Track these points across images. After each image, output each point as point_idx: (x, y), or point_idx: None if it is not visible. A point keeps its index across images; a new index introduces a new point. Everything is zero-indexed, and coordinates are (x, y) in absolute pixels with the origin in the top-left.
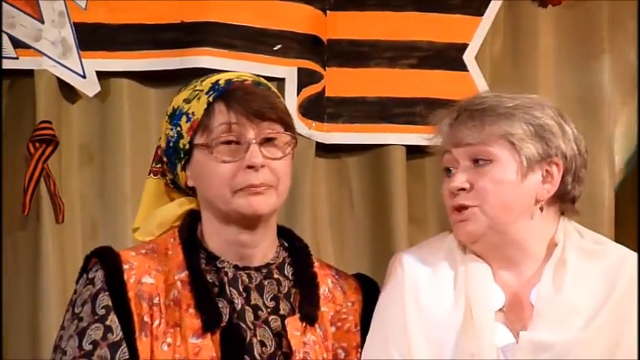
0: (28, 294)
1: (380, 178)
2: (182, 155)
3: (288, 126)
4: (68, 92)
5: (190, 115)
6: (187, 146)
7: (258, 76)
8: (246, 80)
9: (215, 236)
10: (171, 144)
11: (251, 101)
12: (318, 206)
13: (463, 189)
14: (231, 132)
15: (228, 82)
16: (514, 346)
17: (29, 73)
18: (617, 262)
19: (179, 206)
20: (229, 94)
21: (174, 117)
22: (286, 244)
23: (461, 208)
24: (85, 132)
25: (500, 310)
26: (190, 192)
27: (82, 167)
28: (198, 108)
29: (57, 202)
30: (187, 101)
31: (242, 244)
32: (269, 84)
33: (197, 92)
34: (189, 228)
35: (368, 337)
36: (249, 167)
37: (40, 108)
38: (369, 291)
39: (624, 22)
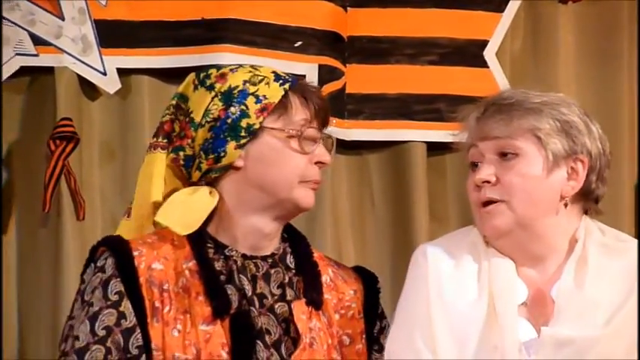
0: (49, 291)
1: (401, 175)
2: (243, 134)
3: (326, 128)
4: (89, 89)
5: (261, 98)
6: (256, 126)
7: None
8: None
9: (236, 223)
10: (228, 120)
11: (321, 100)
12: (339, 203)
13: (488, 181)
14: (311, 127)
15: (289, 75)
16: (536, 340)
17: (50, 71)
18: (638, 260)
19: (212, 198)
20: (304, 88)
21: (234, 95)
22: (285, 236)
23: (487, 203)
24: (106, 129)
25: (522, 304)
26: (211, 175)
27: (103, 164)
28: (271, 93)
29: (78, 199)
30: (252, 83)
31: (265, 234)
32: None
33: (260, 77)
34: None
35: (392, 328)
36: (318, 163)
37: (61, 105)
38: (368, 281)
39: None
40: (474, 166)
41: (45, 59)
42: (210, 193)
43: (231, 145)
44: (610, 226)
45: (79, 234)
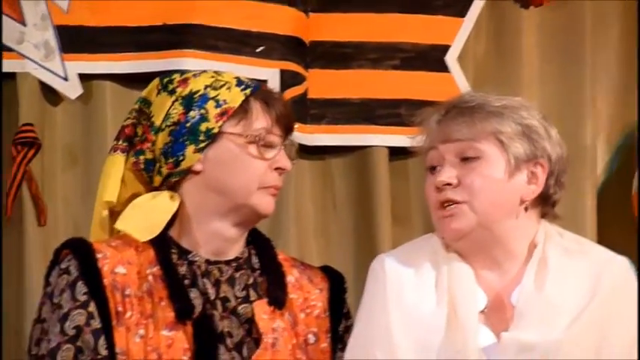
0: (12, 297)
1: (364, 179)
2: (202, 138)
3: (290, 135)
4: (51, 95)
5: (222, 102)
6: (215, 130)
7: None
8: (264, 84)
9: (197, 228)
10: (187, 124)
11: (283, 107)
12: (302, 207)
13: (450, 184)
14: (272, 133)
15: (252, 80)
16: (496, 346)
17: (12, 76)
18: (600, 262)
19: (172, 201)
20: (266, 95)
21: (194, 100)
22: (249, 239)
23: (446, 204)
24: (68, 134)
25: (481, 311)
26: (171, 179)
27: (65, 170)
28: (231, 97)
29: (40, 204)
30: (213, 88)
31: (227, 239)
32: None
33: (222, 82)
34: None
35: (351, 339)
36: (278, 169)
37: (23, 111)
38: (334, 280)
39: (607, 23)
40: (433, 169)
41: (7, 65)
42: (172, 197)
43: (190, 149)
44: (571, 230)
45: (42, 239)
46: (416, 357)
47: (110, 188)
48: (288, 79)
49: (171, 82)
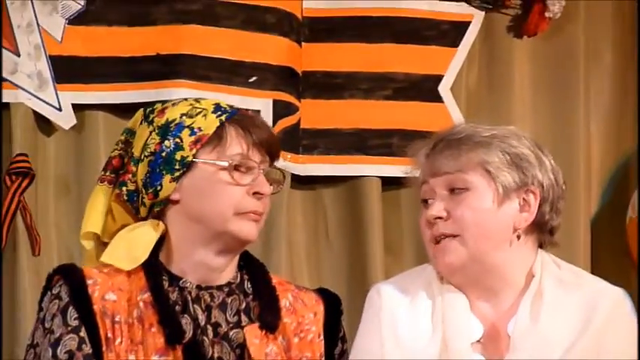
0: (6, 327)
1: (356, 209)
2: (177, 167)
3: (275, 161)
4: (44, 125)
5: (196, 130)
6: (189, 159)
7: None
8: (247, 109)
9: (183, 257)
10: (163, 154)
11: (262, 132)
12: (294, 237)
13: (440, 217)
14: (248, 158)
15: (232, 107)
16: None
17: (5, 106)
18: (594, 294)
19: (156, 228)
20: (242, 119)
21: (170, 129)
22: (242, 264)
23: (439, 238)
24: (62, 164)
25: (477, 341)
26: (155, 209)
27: (59, 199)
28: (206, 124)
29: (33, 234)
30: (188, 116)
31: (212, 268)
32: None
33: (199, 109)
34: (152, 251)
35: None
36: (256, 194)
37: (17, 141)
38: (330, 302)
39: (600, 52)
40: (426, 202)
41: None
42: (156, 225)
43: (166, 179)
44: (564, 259)
45: (35, 269)
46: None
47: (93, 219)
48: (281, 110)
49: (152, 112)
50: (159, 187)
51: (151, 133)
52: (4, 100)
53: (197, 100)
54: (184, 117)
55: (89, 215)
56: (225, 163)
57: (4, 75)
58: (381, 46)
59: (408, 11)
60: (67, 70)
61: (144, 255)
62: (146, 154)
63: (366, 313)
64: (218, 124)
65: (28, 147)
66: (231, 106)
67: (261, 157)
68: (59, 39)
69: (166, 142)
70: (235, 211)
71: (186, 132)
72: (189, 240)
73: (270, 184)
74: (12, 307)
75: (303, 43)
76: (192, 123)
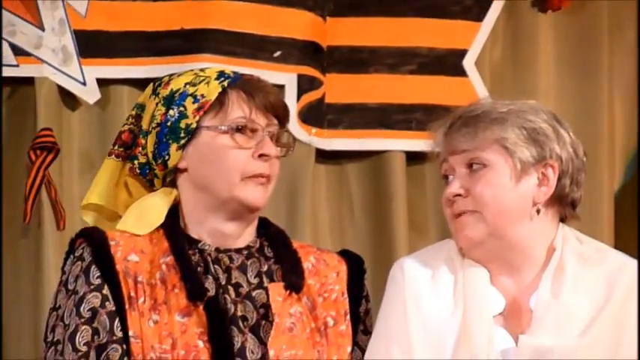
0: (30, 301)
1: (380, 184)
2: (182, 135)
3: (285, 125)
4: (69, 99)
5: (199, 97)
6: (193, 126)
7: None
8: (252, 75)
9: (197, 224)
10: (168, 123)
11: (268, 94)
12: (319, 212)
13: (459, 195)
14: (247, 120)
15: (236, 73)
16: (514, 349)
17: (30, 81)
18: (615, 269)
19: (168, 194)
20: (245, 83)
21: (174, 98)
22: (262, 231)
23: (460, 215)
24: (86, 139)
25: (500, 314)
26: (167, 179)
27: (83, 174)
28: (209, 91)
29: (58, 209)
30: (192, 84)
31: (226, 235)
32: None
33: (202, 77)
34: (171, 216)
35: (371, 340)
36: (261, 156)
37: (41, 115)
38: (352, 262)
39: (624, 28)
40: (447, 179)
41: (25, 70)
42: (169, 193)
43: (173, 148)
44: (588, 234)
45: (60, 244)
46: (430, 356)
47: (96, 191)
48: (306, 84)
49: (159, 84)
50: (167, 157)
51: (157, 104)
52: (29, 74)
53: (202, 70)
54: (188, 86)
55: (94, 187)
56: (229, 127)
57: (29, 49)
58: (406, 21)
59: None
60: (92, 44)
61: (157, 220)
62: (153, 125)
63: (390, 287)
64: (220, 89)
65: (52, 121)
66: (235, 72)
67: (266, 120)
68: (83, 14)
69: (171, 112)
70: (241, 175)
71: (189, 100)
72: (200, 207)
73: (280, 148)
74: (37, 281)
75: (327, 18)
76: (195, 91)
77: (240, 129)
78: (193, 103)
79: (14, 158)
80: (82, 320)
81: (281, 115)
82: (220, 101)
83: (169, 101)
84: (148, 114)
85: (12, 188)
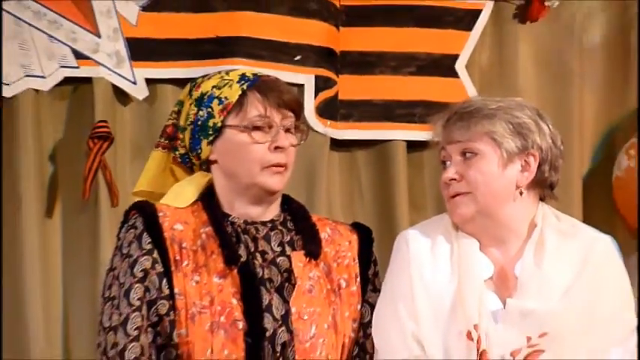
0: (88, 268)
1: (384, 169)
2: (210, 132)
3: (300, 117)
4: (121, 96)
5: (223, 99)
6: (219, 125)
7: None
8: (269, 76)
9: (227, 204)
10: (199, 122)
11: (281, 93)
12: (332, 193)
13: (454, 179)
14: (263, 118)
15: (256, 75)
16: (502, 311)
17: (89, 81)
18: (589, 242)
19: (202, 177)
20: (262, 84)
21: (204, 100)
22: (285, 207)
23: (455, 196)
24: (136, 130)
25: (489, 279)
26: (203, 167)
27: (133, 160)
28: (231, 93)
29: (112, 188)
30: (218, 88)
31: (251, 215)
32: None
33: (226, 81)
34: (209, 194)
35: (379, 302)
36: (277, 149)
37: (98, 110)
38: (362, 232)
39: (592, 33)
40: (444, 164)
41: (85, 71)
42: (206, 175)
43: (204, 143)
44: (562, 211)
45: (114, 218)
46: (433, 317)
47: (143, 179)
48: (322, 84)
49: (193, 86)
50: (199, 151)
51: (190, 105)
52: (88, 75)
53: (228, 73)
54: (214, 89)
55: (144, 175)
56: (247, 125)
57: (87, 53)
58: (407, 30)
59: (429, 0)
60: (141, 49)
61: (193, 196)
62: (188, 123)
63: (395, 255)
64: (240, 92)
65: (107, 115)
66: (254, 74)
67: (281, 115)
68: (134, 23)
69: (201, 112)
70: (260, 166)
71: (215, 102)
72: (229, 191)
73: (296, 137)
74: (94, 251)
75: (340, 27)
76: (220, 93)
77: (257, 126)
78: (219, 104)
79: (76, 145)
80: (136, 279)
81: (295, 109)
82: (240, 102)
83: (200, 102)
84: (184, 112)
85: (74, 171)
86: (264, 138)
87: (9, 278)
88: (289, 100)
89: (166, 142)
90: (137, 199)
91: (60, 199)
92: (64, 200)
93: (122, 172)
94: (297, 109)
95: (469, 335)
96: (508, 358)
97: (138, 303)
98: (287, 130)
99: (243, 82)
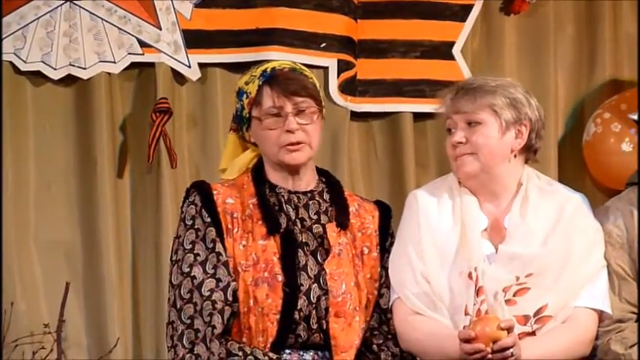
0: (152, 219)
1: (395, 136)
2: (244, 121)
3: (316, 99)
4: (178, 77)
5: (248, 94)
6: (248, 116)
7: (308, 65)
8: (285, 68)
9: (270, 174)
10: (238, 113)
11: (288, 84)
12: (353, 156)
13: (461, 142)
14: (275, 107)
15: (273, 69)
16: (494, 255)
17: (152, 65)
18: (564, 199)
19: (250, 153)
20: (273, 79)
21: (239, 95)
22: (324, 180)
23: (461, 156)
24: (191, 105)
25: (484, 230)
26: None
27: (189, 130)
28: (253, 89)
29: (172, 154)
30: (247, 83)
31: (288, 183)
32: (303, 68)
33: (252, 77)
34: (258, 169)
35: (394, 246)
36: (288, 131)
37: (160, 88)
38: (383, 209)
39: (564, 26)
40: (450, 131)
41: (148, 57)
42: (255, 151)
43: (244, 129)
44: (541, 171)
45: (173, 178)
46: (438, 259)
47: (225, 157)
48: (343, 66)
49: (239, 80)
50: (244, 134)
51: (235, 97)
52: (151, 60)
53: (258, 67)
54: (245, 84)
55: (223, 155)
56: (263, 115)
57: (150, 43)
58: (412, 22)
59: None
60: (194, 39)
61: (242, 168)
62: (235, 112)
63: (407, 210)
64: (257, 87)
65: (167, 92)
66: (273, 69)
67: (292, 102)
68: (188, 18)
69: (238, 105)
70: (278, 147)
71: (244, 96)
72: (269, 166)
73: (309, 117)
74: (157, 205)
75: (358, 20)
76: (247, 89)
77: (271, 113)
78: (246, 98)
79: (141, 118)
80: (209, 250)
81: (305, 95)
82: (258, 96)
83: (238, 96)
84: (234, 103)
85: (140, 139)
86: (276, 124)
87: (87, 228)
88: (297, 89)
89: (234, 125)
90: (222, 173)
91: (129, 163)
92: (132, 163)
93: (179, 140)
94: (306, 94)
95: (470, 275)
96: (501, 293)
97: (212, 271)
98: (299, 113)
99: (261, 78)
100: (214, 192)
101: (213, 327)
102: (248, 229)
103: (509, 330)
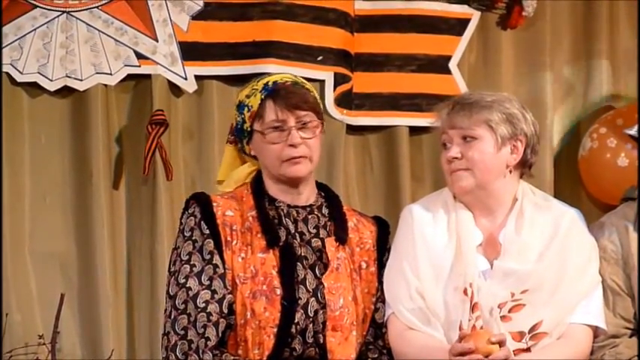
0: (147, 230)
1: (391, 149)
2: (245, 135)
3: (318, 113)
4: (175, 89)
5: (250, 107)
6: (249, 129)
7: (305, 78)
8: (287, 81)
9: (270, 188)
10: (238, 126)
11: (290, 98)
12: (348, 169)
13: (456, 157)
14: (278, 121)
15: (275, 83)
16: (490, 271)
17: (148, 77)
18: (559, 214)
19: (248, 167)
20: (275, 93)
21: (240, 108)
22: (323, 194)
23: (456, 171)
24: (187, 117)
25: (479, 245)
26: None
27: (185, 142)
28: (254, 102)
29: (167, 165)
30: (248, 97)
31: (288, 197)
32: (304, 81)
33: (254, 90)
34: (257, 182)
35: (388, 262)
36: (291, 145)
37: (156, 100)
38: (381, 224)
39: (560, 40)
40: (445, 146)
41: (145, 69)
42: (254, 165)
43: (244, 142)
44: (536, 186)
45: (169, 190)
46: (433, 275)
47: (220, 170)
48: (339, 79)
49: (239, 93)
50: (243, 147)
51: (235, 109)
52: (148, 72)
53: (258, 81)
54: (246, 98)
55: (221, 167)
56: (265, 129)
57: (147, 55)
58: (408, 35)
59: (427, 11)
60: (191, 51)
61: (241, 180)
62: (235, 124)
63: (402, 225)
64: (259, 101)
65: (163, 104)
66: (274, 82)
67: (295, 116)
68: (185, 30)
69: (238, 118)
70: (280, 160)
71: (246, 110)
72: (269, 179)
73: (311, 131)
74: (152, 216)
75: (354, 33)
76: (249, 102)
77: (274, 127)
78: (247, 112)
79: (137, 130)
80: (206, 261)
81: (307, 108)
82: (260, 110)
83: (238, 109)
84: (233, 116)
85: (136, 151)
86: (279, 138)
87: (82, 239)
88: (299, 102)
89: (232, 137)
90: (219, 185)
91: (124, 174)
92: (128, 175)
93: (175, 151)
94: (308, 108)
95: (465, 291)
96: (496, 309)
97: (207, 282)
98: (302, 127)
99: (263, 91)
100: (214, 204)
101: (207, 339)
102: (247, 242)
103: (501, 344)
